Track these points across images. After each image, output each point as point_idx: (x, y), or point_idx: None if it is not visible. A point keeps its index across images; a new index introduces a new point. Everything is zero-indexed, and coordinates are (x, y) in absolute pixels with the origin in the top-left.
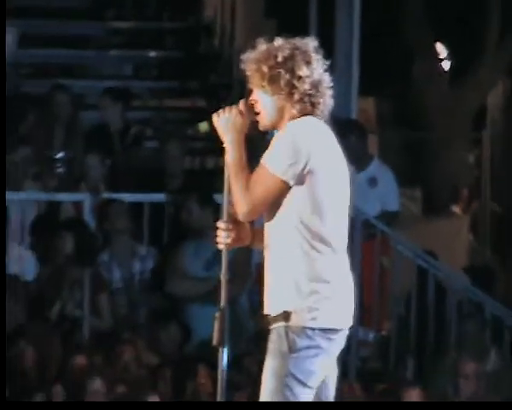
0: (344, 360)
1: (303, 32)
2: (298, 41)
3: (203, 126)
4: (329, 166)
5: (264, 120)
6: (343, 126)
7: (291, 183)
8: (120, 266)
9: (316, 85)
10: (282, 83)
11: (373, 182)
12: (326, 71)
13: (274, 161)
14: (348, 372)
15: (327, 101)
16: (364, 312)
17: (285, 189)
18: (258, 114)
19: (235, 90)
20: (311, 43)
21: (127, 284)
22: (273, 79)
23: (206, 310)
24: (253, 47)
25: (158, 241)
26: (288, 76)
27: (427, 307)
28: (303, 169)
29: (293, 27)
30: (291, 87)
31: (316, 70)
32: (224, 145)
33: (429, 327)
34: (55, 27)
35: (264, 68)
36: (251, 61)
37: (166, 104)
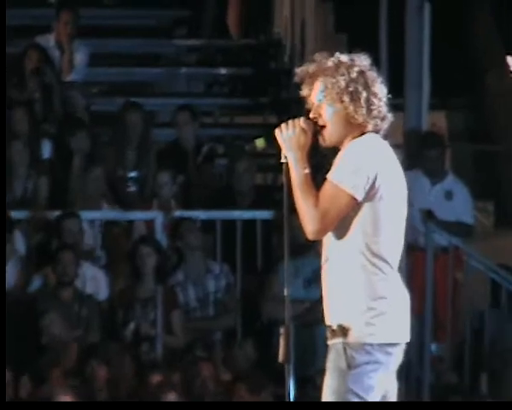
0: (417, 375)
1: (373, 47)
2: (356, 57)
3: (260, 143)
4: (392, 185)
5: (331, 137)
6: (424, 139)
7: (359, 199)
8: (194, 284)
9: (376, 103)
10: (362, 99)
11: (449, 195)
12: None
13: (344, 177)
14: (422, 388)
15: (386, 118)
16: (438, 326)
17: (354, 205)
18: (321, 129)
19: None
20: (365, 59)
21: (202, 302)
22: (352, 95)
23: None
24: (312, 61)
25: (230, 259)
26: (365, 92)
27: (500, 321)
28: (370, 186)
29: (363, 42)
30: (369, 104)
31: (375, 86)
32: (284, 160)
33: (503, 341)
34: (127, 46)
35: (342, 83)
36: (320, 74)
37: (237, 121)
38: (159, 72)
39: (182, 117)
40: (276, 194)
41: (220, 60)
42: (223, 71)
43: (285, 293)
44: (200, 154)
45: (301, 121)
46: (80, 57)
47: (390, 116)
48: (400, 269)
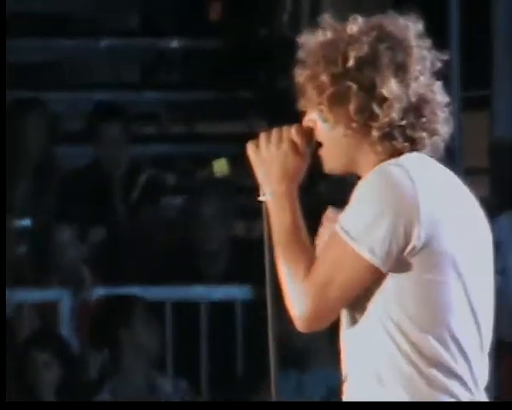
0: None
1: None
2: (387, 22)
3: (220, 167)
4: (457, 239)
5: (330, 162)
6: None
7: (384, 269)
8: None
9: (417, 108)
10: (352, 108)
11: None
12: (437, 76)
13: (359, 232)
14: None
15: (439, 129)
16: None
17: (374, 277)
18: (320, 146)
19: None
20: (412, 25)
21: None
22: (336, 100)
23: None
24: (317, 28)
25: (191, 369)
26: (361, 96)
27: None
28: (404, 247)
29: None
30: (366, 117)
31: (418, 80)
32: (264, 198)
33: None
34: None
35: (323, 78)
36: (303, 62)
37: (200, 130)
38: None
39: (104, 125)
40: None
41: (168, 26)
42: (174, 42)
43: None
44: (136, 186)
45: (293, 131)
46: None
47: (443, 128)
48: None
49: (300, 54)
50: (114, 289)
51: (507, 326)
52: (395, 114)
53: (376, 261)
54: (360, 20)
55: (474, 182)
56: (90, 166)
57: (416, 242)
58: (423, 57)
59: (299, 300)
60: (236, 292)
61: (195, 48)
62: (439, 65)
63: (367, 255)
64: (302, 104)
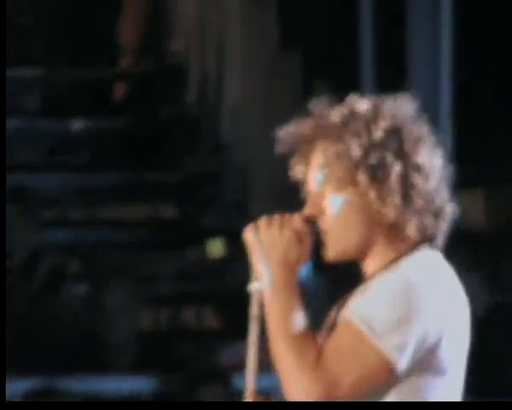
0: None
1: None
2: (389, 101)
3: (214, 248)
4: (458, 337)
5: (339, 245)
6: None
7: (400, 367)
8: None
9: (435, 192)
10: (393, 179)
11: None
12: (441, 157)
13: (378, 327)
14: None
15: (450, 207)
16: None
17: (388, 375)
18: (324, 233)
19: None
20: (409, 105)
21: None
22: (373, 172)
23: None
24: (305, 115)
25: None
26: (398, 166)
27: None
28: (422, 351)
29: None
30: (407, 187)
31: (435, 154)
32: (255, 286)
33: None
34: None
35: (356, 151)
36: (320, 137)
37: (103, 215)
38: None
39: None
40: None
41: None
42: (77, 124)
43: None
44: (37, 275)
45: (297, 218)
46: None
47: (451, 207)
48: None
49: (295, 142)
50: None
51: None
52: (432, 184)
53: (395, 360)
54: (363, 100)
55: None
56: None
57: (430, 344)
58: (420, 136)
59: (303, 391)
60: (143, 384)
61: (99, 129)
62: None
63: (389, 354)
64: (298, 171)
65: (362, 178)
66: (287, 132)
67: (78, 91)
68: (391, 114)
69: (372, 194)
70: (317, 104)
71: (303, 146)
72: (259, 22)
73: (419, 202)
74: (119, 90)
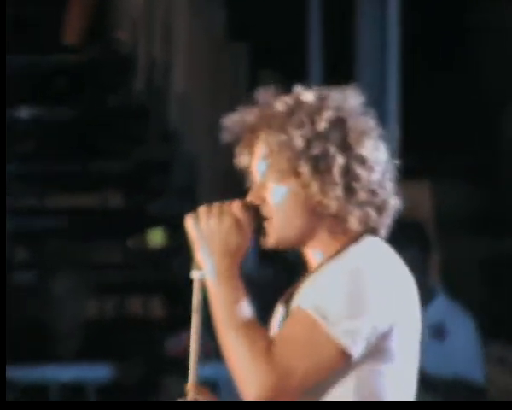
0: None
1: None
2: (335, 93)
3: (156, 237)
4: (409, 332)
5: (282, 234)
6: (395, 234)
7: (354, 354)
8: None
9: (383, 175)
10: (335, 171)
11: (439, 332)
12: (386, 150)
13: (331, 316)
14: None
15: (394, 200)
16: None
17: (342, 364)
18: (266, 222)
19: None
20: (355, 97)
21: None
22: (316, 163)
23: None
24: (251, 103)
25: None
26: (341, 157)
27: None
28: (376, 337)
29: (286, 57)
30: (350, 179)
31: (380, 147)
32: (196, 275)
33: None
34: None
35: (298, 141)
36: (263, 126)
37: (50, 204)
38: None
39: None
40: None
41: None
42: (22, 112)
43: None
44: None
45: (235, 206)
46: None
47: (395, 201)
48: None
49: (244, 129)
50: None
51: None
52: (376, 176)
53: (349, 348)
54: (308, 91)
55: None
56: None
57: (385, 331)
58: (375, 126)
59: (256, 383)
60: (88, 372)
61: (46, 118)
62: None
63: (342, 341)
64: (243, 160)
65: (304, 169)
66: (232, 121)
67: (24, 80)
68: (336, 105)
69: (314, 185)
70: (263, 93)
71: (247, 135)
72: (206, 11)
73: (362, 195)
74: (66, 79)
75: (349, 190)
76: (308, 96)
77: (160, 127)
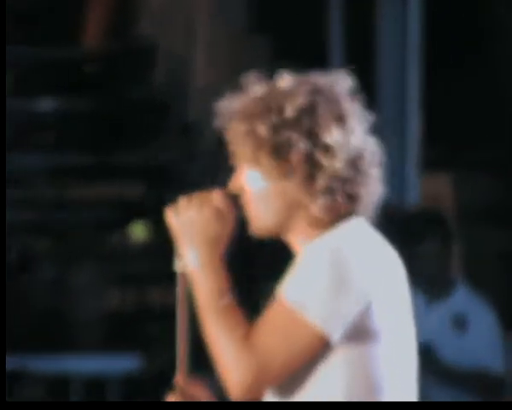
0: None
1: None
2: (318, 78)
3: (137, 231)
4: (393, 310)
5: (261, 222)
6: (413, 223)
7: (335, 338)
8: None
9: (354, 162)
10: (295, 159)
11: (459, 323)
12: (370, 132)
13: (307, 301)
14: None
15: (373, 188)
16: None
17: (322, 348)
18: (246, 209)
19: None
20: (342, 81)
21: None
22: (277, 152)
23: None
24: (240, 89)
25: None
26: (303, 145)
27: None
28: (354, 318)
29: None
30: (311, 167)
31: (355, 133)
32: (179, 268)
33: None
34: None
35: (261, 130)
36: (236, 117)
37: (69, 195)
38: None
39: None
40: None
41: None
42: (43, 104)
43: None
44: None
45: (214, 195)
46: None
47: (375, 186)
48: None
49: (227, 115)
50: None
51: None
52: (340, 164)
53: (328, 332)
54: (289, 76)
55: None
56: None
57: (365, 316)
58: (357, 111)
59: (237, 369)
60: (110, 364)
61: (67, 110)
62: (368, 122)
63: (319, 325)
64: (235, 163)
65: (264, 157)
66: (222, 106)
67: (46, 72)
68: (312, 90)
69: (274, 173)
70: (247, 79)
71: (228, 123)
72: (227, 4)
73: (324, 183)
74: (88, 72)
75: (310, 178)
76: (285, 81)
77: (180, 120)
